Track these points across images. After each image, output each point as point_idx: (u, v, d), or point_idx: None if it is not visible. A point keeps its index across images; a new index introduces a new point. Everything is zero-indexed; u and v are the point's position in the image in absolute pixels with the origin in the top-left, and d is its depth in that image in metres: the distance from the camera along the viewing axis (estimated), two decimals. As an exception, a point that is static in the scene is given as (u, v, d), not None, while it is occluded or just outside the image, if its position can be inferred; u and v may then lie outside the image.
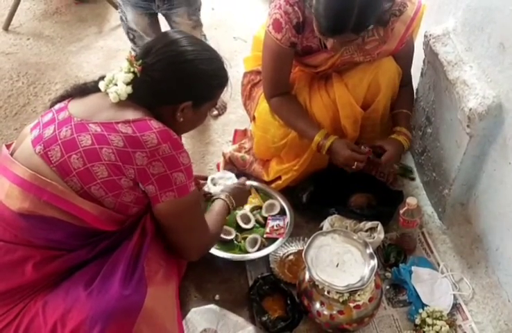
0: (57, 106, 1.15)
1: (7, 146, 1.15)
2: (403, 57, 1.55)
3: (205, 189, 1.53)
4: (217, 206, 1.37)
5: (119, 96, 1.08)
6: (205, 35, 2.05)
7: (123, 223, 1.11)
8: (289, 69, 1.54)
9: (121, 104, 1.09)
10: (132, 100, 1.10)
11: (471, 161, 1.41)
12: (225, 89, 1.23)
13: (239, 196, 1.44)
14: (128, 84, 1.09)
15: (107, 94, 1.10)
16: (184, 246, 1.20)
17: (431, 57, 1.51)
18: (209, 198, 1.43)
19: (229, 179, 1.63)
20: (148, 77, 1.10)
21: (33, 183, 1.03)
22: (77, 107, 1.11)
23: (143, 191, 1.08)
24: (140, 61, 1.10)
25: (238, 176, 1.74)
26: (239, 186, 1.49)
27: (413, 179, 1.75)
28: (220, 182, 1.62)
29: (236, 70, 1.87)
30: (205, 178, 1.59)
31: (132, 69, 1.09)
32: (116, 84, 1.09)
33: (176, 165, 1.06)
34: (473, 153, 1.39)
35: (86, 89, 1.15)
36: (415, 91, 1.70)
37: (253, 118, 1.68)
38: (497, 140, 1.32)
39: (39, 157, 1.05)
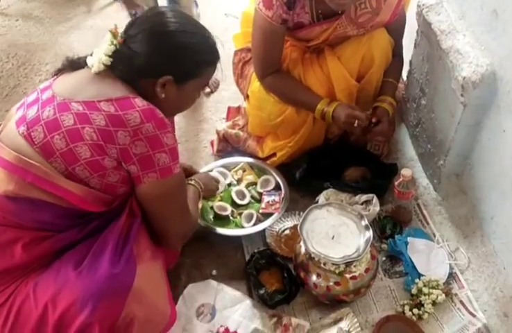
0: (42, 85, 1.13)
1: None
2: (395, 29, 1.53)
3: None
4: (190, 192, 1.33)
5: (98, 67, 1.06)
6: (199, 14, 2.02)
7: (111, 204, 1.09)
8: (281, 47, 1.51)
9: (104, 79, 1.07)
10: (114, 74, 1.07)
11: (465, 131, 1.40)
12: (215, 68, 1.19)
13: (207, 184, 1.43)
14: (109, 56, 1.06)
15: (90, 68, 1.08)
16: (166, 232, 1.16)
17: (425, 27, 1.49)
18: None
19: None
20: (128, 48, 1.07)
21: (17, 165, 1.02)
22: (61, 85, 1.09)
23: (127, 171, 1.06)
24: (123, 33, 1.08)
25: (232, 153, 1.74)
26: (207, 174, 1.48)
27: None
28: None
29: (229, 47, 1.84)
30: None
31: (114, 42, 1.07)
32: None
33: (160, 145, 1.03)
34: (467, 123, 1.38)
35: (77, 64, 1.13)
36: (408, 62, 1.68)
37: (247, 97, 1.66)
38: (491, 109, 1.31)
39: (23, 138, 1.03)
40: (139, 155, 1.02)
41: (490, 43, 1.27)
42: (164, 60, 1.08)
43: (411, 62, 1.68)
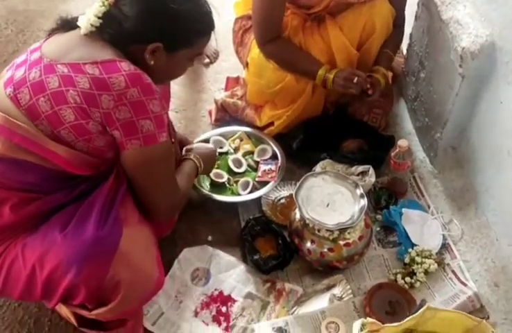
0: (32, 46, 1.12)
1: None
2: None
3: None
4: (186, 166, 1.30)
5: (86, 28, 1.04)
6: None
7: (99, 168, 1.08)
8: (282, 13, 1.49)
9: (92, 42, 1.05)
10: (103, 37, 1.05)
11: (463, 103, 1.41)
12: (209, 38, 1.15)
13: (207, 161, 1.38)
14: (98, 17, 1.04)
15: (81, 28, 1.06)
16: (151, 204, 1.14)
17: (426, -1, 1.48)
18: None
19: None
20: (118, 10, 1.04)
21: (4, 125, 1.01)
22: (50, 47, 1.07)
23: (112, 136, 1.05)
24: None
25: (230, 123, 1.74)
26: (209, 149, 1.43)
27: None
28: None
29: (229, 18, 1.82)
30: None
31: (105, 3, 1.04)
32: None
33: (144, 112, 1.01)
34: (465, 95, 1.38)
35: (70, 24, 1.10)
36: (408, 36, 1.67)
37: (246, 65, 1.65)
38: (489, 80, 1.31)
39: (9, 100, 1.02)
40: (122, 120, 1.00)
41: (490, 14, 1.26)
42: (154, 25, 1.05)
43: (411, 35, 1.67)
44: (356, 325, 0.93)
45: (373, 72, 1.52)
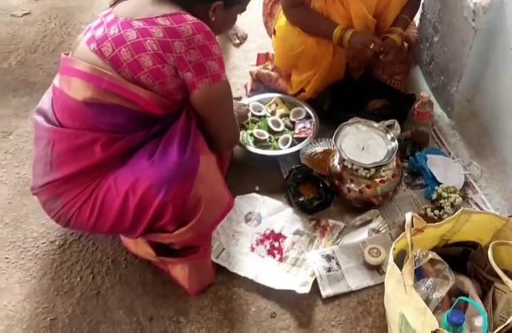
0: (103, 13, 1.30)
1: (66, 55, 1.30)
2: None
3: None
4: None
5: None
6: None
7: (171, 108, 1.26)
8: None
9: (159, 2, 1.23)
10: None
11: (476, 56, 1.58)
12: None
13: (239, 110, 1.63)
14: None
15: None
16: (217, 135, 1.33)
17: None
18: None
19: None
20: None
21: (93, 74, 1.19)
22: (121, 9, 1.25)
23: (183, 79, 1.22)
24: None
25: (265, 92, 1.92)
26: (240, 102, 1.66)
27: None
28: None
29: (256, 10, 2.01)
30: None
31: None
32: None
33: (210, 54, 1.19)
34: (478, 48, 1.56)
35: None
36: (421, 6, 1.86)
37: (274, 32, 1.83)
38: (500, 32, 1.49)
39: (94, 54, 1.20)
40: (193, 61, 1.18)
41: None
42: None
43: (423, 4, 1.86)
44: (408, 215, 1.07)
45: (389, 33, 1.69)
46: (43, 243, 1.57)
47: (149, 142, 1.25)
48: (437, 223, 1.14)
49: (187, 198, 1.18)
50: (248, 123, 1.74)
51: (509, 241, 1.11)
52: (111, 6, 1.31)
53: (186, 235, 1.23)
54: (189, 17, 1.20)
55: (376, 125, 1.54)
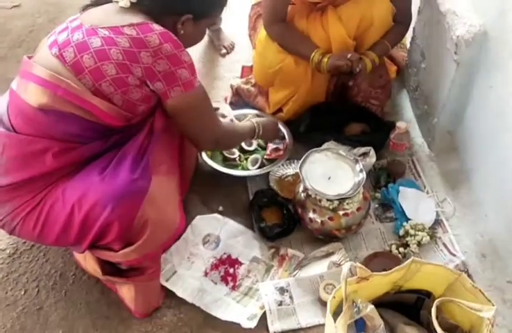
0: (70, 18, 1.26)
1: (29, 57, 1.25)
2: None
3: (221, 110, 1.67)
4: (246, 124, 1.54)
5: (125, 4, 1.18)
6: None
7: (130, 120, 1.22)
8: None
9: (127, 11, 1.19)
10: (139, 8, 1.20)
11: (458, 89, 1.52)
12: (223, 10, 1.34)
13: (268, 128, 1.59)
14: None
15: (116, 2, 1.20)
16: (197, 138, 1.34)
17: (427, -8, 1.61)
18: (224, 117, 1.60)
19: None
20: None
21: (50, 81, 1.15)
22: (88, 16, 1.21)
23: (151, 90, 1.19)
24: None
25: (243, 107, 1.87)
26: (271, 120, 1.64)
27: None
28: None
29: (245, 17, 1.95)
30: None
31: None
32: None
33: (179, 62, 1.16)
34: (460, 81, 1.50)
35: (103, 0, 1.25)
36: (412, 30, 1.79)
37: (254, 46, 1.78)
38: (482, 67, 1.43)
39: (55, 58, 1.16)
40: (162, 71, 1.15)
41: (484, 5, 1.38)
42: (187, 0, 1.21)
43: (414, 28, 1.79)
44: (346, 267, 1.01)
45: (363, 55, 1.62)
46: (-6, 250, 1.53)
47: (105, 154, 1.21)
48: (384, 272, 1.08)
49: (133, 219, 1.15)
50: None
51: (461, 295, 1.05)
52: (80, 12, 1.27)
53: (132, 256, 1.20)
54: (156, 27, 1.16)
55: (346, 153, 1.48)
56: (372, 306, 1.00)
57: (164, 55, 1.14)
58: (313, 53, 1.58)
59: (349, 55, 1.56)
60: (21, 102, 1.19)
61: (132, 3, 1.19)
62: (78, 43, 1.15)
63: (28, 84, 1.19)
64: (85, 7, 1.27)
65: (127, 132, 1.22)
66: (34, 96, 1.17)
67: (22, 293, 1.42)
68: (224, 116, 1.65)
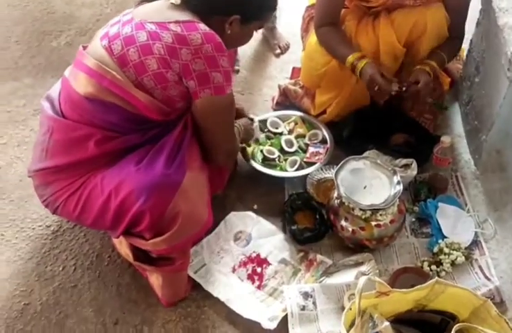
0: (125, 11, 1.31)
1: (84, 47, 1.32)
2: (454, 9, 1.59)
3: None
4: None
5: (175, 1, 1.21)
6: None
7: (169, 115, 1.26)
8: (343, 0, 1.60)
9: (177, 9, 1.23)
10: (188, 7, 1.23)
11: (509, 107, 1.46)
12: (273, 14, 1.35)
13: (246, 129, 1.59)
14: None
15: None
16: (213, 146, 1.34)
17: (486, 5, 1.57)
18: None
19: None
20: None
21: (96, 71, 1.21)
22: (140, 10, 1.26)
23: (186, 87, 1.22)
24: None
25: (289, 108, 1.87)
26: (248, 121, 1.62)
27: (445, 108, 1.79)
28: None
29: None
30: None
31: None
32: None
33: (216, 65, 1.19)
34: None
35: None
36: (469, 42, 1.74)
37: (304, 48, 1.79)
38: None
39: (104, 50, 1.22)
40: (197, 71, 1.18)
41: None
42: (235, 1, 1.24)
43: (471, 41, 1.74)
44: (361, 280, 0.99)
45: (421, 64, 1.57)
46: (39, 226, 1.62)
47: (142, 147, 1.26)
48: (404, 290, 1.06)
49: (165, 210, 1.19)
50: (257, 140, 1.71)
51: (485, 322, 1.03)
52: (135, 6, 1.32)
53: (161, 245, 1.24)
54: (201, 26, 1.20)
55: (384, 164, 1.46)
56: (388, 324, 0.99)
57: (203, 55, 1.17)
58: (349, 56, 1.56)
59: (376, 88, 1.50)
60: (71, 89, 1.26)
61: (182, 0, 1.22)
62: (126, 36, 1.21)
63: (78, 73, 1.25)
64: (140, 2, 1.31)
65: (164, 127, 1.26)
66: (82, 84, 1.24)
67: (60, 269, 1.51)
68: (251, 119, 1.65)
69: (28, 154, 1.81)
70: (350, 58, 1.56)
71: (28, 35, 2.32)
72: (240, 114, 1.61)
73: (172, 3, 1.24)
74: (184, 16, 1.21)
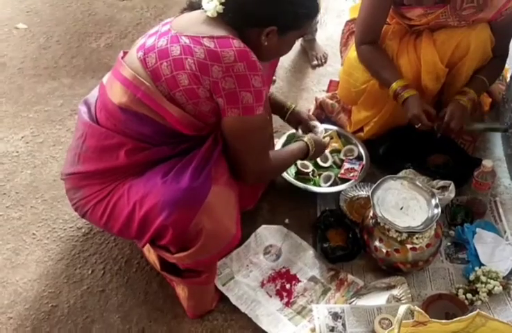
0: (164, 21, 1.29)
1: (124, 53, 1.32)
2: (500, 30, 1.56)
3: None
4: (295, 145, 1.46)
5: (212, 14, 1.18)
6: None
7: (202, 130, 1.24)
8: (385, 17, 1.58)
9: (213, 21, 1.20)
10: (224, 19, 1.20)
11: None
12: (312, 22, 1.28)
13: (318, 147, 1.51)
14: (221, 3, 1.18)
15: (205, 11, 1.21)
16: (240, 166, 1.28)
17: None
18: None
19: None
20: None
21: (132, 81, 1.20)
22: (178, 21, 1.24)
23: (217, 103, 1.19)
24: None
25: (324, 122, 1.84)
26: (320, 138, 1.55)
27: (505, 130, 1.72)
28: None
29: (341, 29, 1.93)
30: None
31: None
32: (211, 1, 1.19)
33: (246, 85, 1.15)
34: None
35: (197, 5, 1.27)
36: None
37: (342, 63, 1.77)
38: None
39: (139, 62, 1.21)
40: (227, 89, 1.15)
41: None
42: (272, 10, 1.19)
43: (518, 61, 1.70)
44: (402, 308, 0.96)
45: (460, 95, 1.56)
46: (71, 227, 1.63)
47: (171, 159, 1.24)
48: (444, 321, 1.02)
49: (188, 226, 1.16)
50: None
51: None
52: (176, 16, 1.29)
53: (185, 260, 1.23)
54: (236, 43, 1.16)
55: (423, 185, 1.43)
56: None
57: (234, 73, 1.14)
58: (393, 84, 1.54)
59: (417, 126, 1.51)
60: (106, 98, 1.26)
61: (218, 13, 1.20)
62: (160, 49, 1.19)
63: (114, 82, 1.25)
64: (182, 11, 1.30)
65: (196, 141, 1.24)
66: (117, 94, 1.23)
67: (89, 272, 1.51)
68: (315, 126, 1.57)
69: (63, 154, 1.83)
70: (394, 85, 1.54)
71: (69, 36, 2.35)
72: (297, 117, 1.58)
73: (208, 16, 1.21)
74: (220, 30, 1.18)
